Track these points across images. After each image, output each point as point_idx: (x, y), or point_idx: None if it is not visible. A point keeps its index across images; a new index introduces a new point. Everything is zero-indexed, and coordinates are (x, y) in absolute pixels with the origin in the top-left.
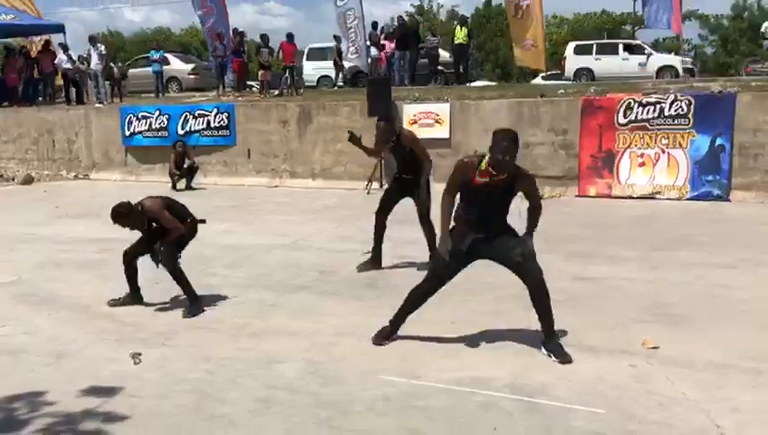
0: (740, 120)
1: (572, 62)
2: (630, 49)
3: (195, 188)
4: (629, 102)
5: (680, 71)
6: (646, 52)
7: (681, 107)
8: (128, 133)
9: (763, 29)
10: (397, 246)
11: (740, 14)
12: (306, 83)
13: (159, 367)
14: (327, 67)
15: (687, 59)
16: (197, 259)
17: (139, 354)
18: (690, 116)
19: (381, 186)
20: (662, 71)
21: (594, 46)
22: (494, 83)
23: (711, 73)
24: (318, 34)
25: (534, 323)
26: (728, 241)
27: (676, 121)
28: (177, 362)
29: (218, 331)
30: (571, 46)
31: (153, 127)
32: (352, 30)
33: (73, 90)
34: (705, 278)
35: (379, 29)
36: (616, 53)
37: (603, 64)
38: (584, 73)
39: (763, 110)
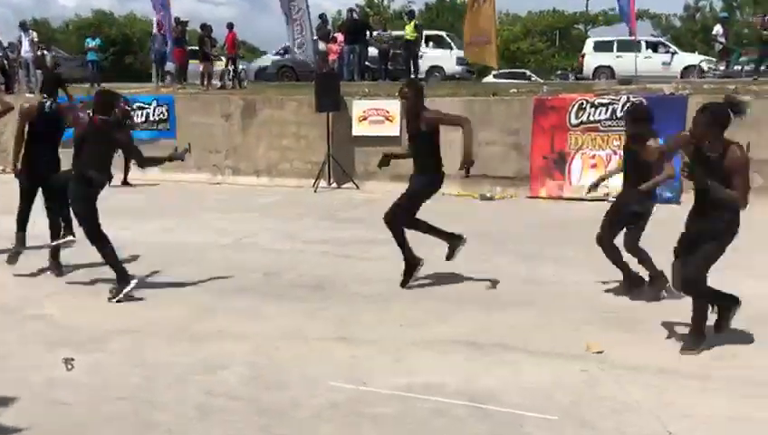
0: (691, 122)
1: (591, 59)
2: (654, 47)
3: (132, 184)
4: (582, 103)
5: (705, 70)
6: (670, 50)
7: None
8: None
9: (714, 31)
10: (342, 246)
11: (692, 15)
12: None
13: (94, 373)
14: None
15: (712, 58)
16: (134, 260)
17: (72, 360)
18: None
19: (330, 183)
20: (687, 70)
21: (615, 43)
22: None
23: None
24: (264, 25)
25: (484, 326)
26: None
27: None
28: (112, 368)
29: (156, 334)
30: (589, 43)
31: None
32: (297, 22)
33: (2, 78)
34: None
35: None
36: (638, 50)
37: (624, 62)
38: (604, 72)
39: None
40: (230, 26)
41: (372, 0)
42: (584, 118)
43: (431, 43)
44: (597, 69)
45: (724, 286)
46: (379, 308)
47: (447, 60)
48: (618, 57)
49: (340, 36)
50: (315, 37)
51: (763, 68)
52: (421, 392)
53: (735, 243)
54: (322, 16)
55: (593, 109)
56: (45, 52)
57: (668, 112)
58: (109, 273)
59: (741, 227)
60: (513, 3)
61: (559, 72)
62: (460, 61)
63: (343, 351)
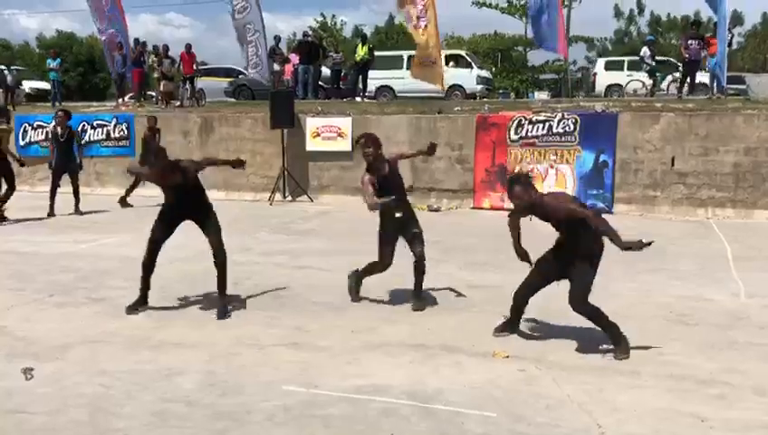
0: (621, 137)
1: (603, 78)
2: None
3: (83, 213)
4: (520, 120)
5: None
6: (680, 68)
7: (568, 125)
8: (22, 143)
9: (642, 53)
10: (297, 257)
11: (622, 39)
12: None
13: (53, 382)
14: (389, 77)
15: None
16: (95, 272)
17: (31, 369)
18: (576, 133)
19: (285, 197)
20: (694, 87)
21: (625, 62)
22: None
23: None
24: (220, 47)
25: (430, 329)
26: (611, 251)
27: (563, 139)
28: (72, 377)
29: (115, 344)
30: (600, 62)
31: (50, 136)
32: (252, 44)
33: None
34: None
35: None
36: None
37: (635, 81)
38: (615, 90)
39: (642, 128)
40: (188, 48)
41: (326, 23)
42: (523, 134)
43: (451, 63)
44: (609, 87)
45: (649, 289)
46: (332, 316)
47: (467, 79)
48: (628, 75)
49: (294, 57)
50: (270, 58)
51: (686, 88)
52: (370, 394)
53: (662, 248)
54: (276, 38)
55: (531, 125)
56: (6, 71)
57: (600, 129)
58: (65, 284)
59: (665, 233)
60: (457, 25)
61: (501, 90)
62: (480, 79)
63: (297, 356)
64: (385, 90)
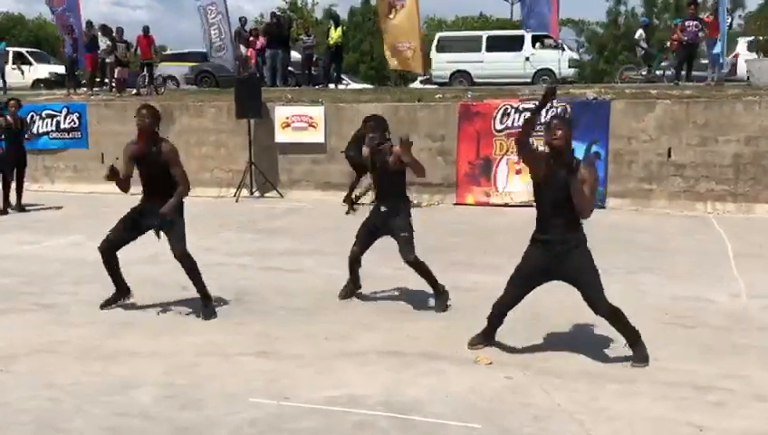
0: (614, 127)
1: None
2: None
3: (27, 209)
4: (506, 108)
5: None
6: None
7: (557, 113)
8: None
9: (636, 36)
10: (264, 257)
11: (615, 21)
12: (438, 80)
13: None
14: (465, 60)
15: None
16: (41, 276)
17: None
18: None
19: (252, 192)
20: None
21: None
22: (370, 86)
23: (587, 81)
24: (181, 29)
25: (409, 335)
26: (603, 249)
27: None
28: (16, 390)
29: (64, 354)
30: (742, 43)
31: None
32: (215, 26)
33: None
34: None
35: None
36: None
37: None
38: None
39: (637, 117)
40: (145, 30)
41: (296, 4)
42: (509, 123)
43: (538, 44)
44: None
45: (644, 290)
46: (303, 321)
47: (558, 62)
48: None
49: (260, 40)
50: (234, 41)
51: (683, 73)
52: (344, 405)
53: (658, 245)
54: (242, 20)
55: (517, 114)
56: None
57: (592, 118)
58: (9, 289)
59: (662, 229)
60: (439, 7)
61: None
62: (573, 63)
63: (264, 366)
64: (460, 75)
